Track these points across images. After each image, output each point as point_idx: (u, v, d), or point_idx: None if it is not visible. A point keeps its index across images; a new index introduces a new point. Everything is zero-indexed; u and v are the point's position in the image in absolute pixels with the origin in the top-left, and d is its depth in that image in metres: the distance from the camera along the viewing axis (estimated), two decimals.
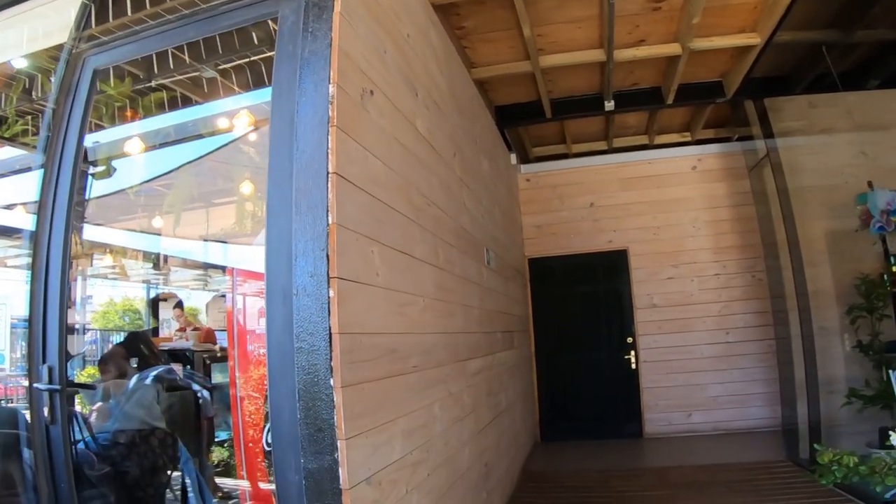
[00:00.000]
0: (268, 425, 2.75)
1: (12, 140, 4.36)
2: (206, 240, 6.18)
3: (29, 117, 4.29)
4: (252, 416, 3.80)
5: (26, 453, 2.36)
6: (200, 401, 3.34)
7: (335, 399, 1.70)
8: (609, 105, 5.37)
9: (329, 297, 1.71)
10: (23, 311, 2.29)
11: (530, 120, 5.91)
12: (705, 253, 6.27)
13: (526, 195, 6.77)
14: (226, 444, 4.78)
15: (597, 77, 5.15)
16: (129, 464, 2.87)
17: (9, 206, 5.28)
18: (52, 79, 3.20)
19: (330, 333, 1.70)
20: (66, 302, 2.22)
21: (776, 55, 4.77)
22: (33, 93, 3.93)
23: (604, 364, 6.35)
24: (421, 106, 2.81)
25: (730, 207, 6.29)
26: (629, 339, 6.27)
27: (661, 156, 6.62)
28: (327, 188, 1.78)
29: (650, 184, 6.51)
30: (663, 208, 6.42)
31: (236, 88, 4.30)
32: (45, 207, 2.39)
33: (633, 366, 6.22)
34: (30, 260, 2.38)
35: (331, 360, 1.70)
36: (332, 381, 1.70)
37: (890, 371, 4.53)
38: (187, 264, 7.19)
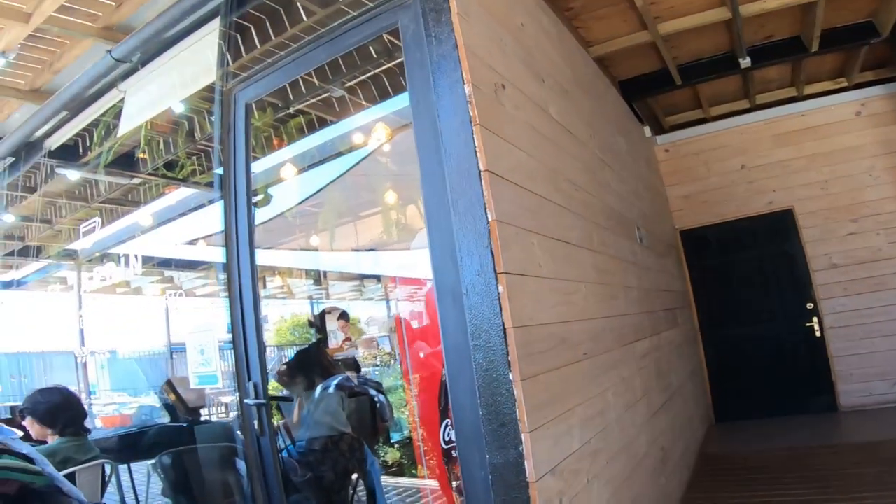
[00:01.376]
0: (444, 423, 2.83)
1: (185, 181, 4.88)
2: (357, 251, 6.55)
3: (195, 158, 4.80)
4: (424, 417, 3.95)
5: (240, 464, 2.62)
6: (378, 405, 3.51)
7: (515, 393, 1.71)
8: (744, 62, 4.90)
9: (499, 293, 1.73)
10: (223, 334, 2.55)
11: (659, 90, 5.55)
12: (891, 202, 5.49)
13: (667, 166, 6.38)
14: (396, 446, 5.02)
15: (724, 36, 4.73)
16: (325, 468, 3.09)
17: (192, 242, 5.96)
18: (212, 118, 3.54)
19: (504, 329, 1.72)
20: (260, 323, 2.45)
21: None
22: (195, 134, 4.32)
23: (780, 335, 5.78)
24: (549, 92, 2.76)
25: None
26: (809, 306, 5.64)
27: (815, 106, 5.90)
28: (481, 186, 1.80)
29: (808, 136, 5.84)
30: (829, 160, 5.73)
31: (364, 103, 4.48)
32: (231, 238, 2.62)
33: (818, 333, 5.60)
34: (220, 287, 2.66)
35: (507, 354, 1.72)
36: (510, 376, 1.71)
37: None
38: (343, 277, 7.69)
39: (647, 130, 6.03)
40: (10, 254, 5.92)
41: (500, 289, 1.73)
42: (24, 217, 5.59)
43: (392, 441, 4.99)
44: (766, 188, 5.93)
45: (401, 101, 4.01)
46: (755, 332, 5.90)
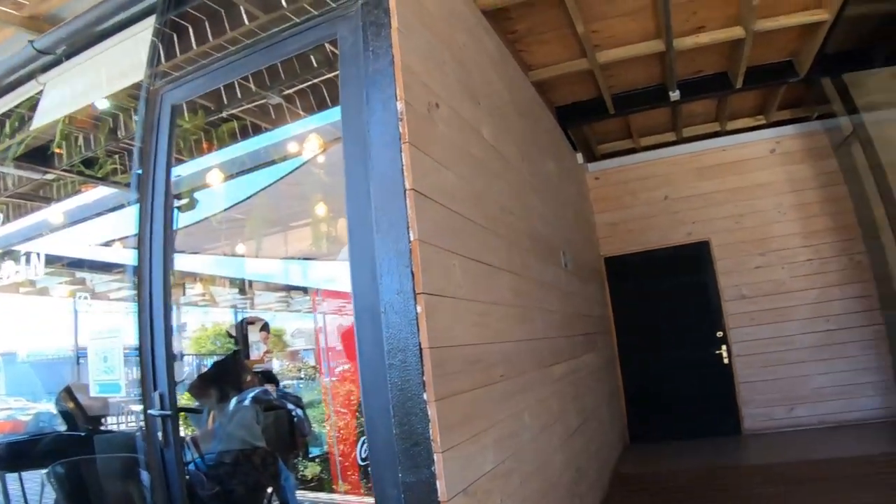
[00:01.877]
0: (361, 440, 2.80)
1: (104, 180, 4.64)
2: (287, 260, 6.40)
3: (117, 156, 4.58)
4: (342, 431, 3.89)
5: (144, 475, 2.50)
6: (295, 419, 3.44)
7: (429, 413, 1.72)
8: (674, 95, 5.17)
9: (417, 313, 1.74)
10: (131, 341, 2.43)
11: (593, 117, 5.77)
12: (794, 238, 5.90)
13: (596, 193, 6.63)
14: (317, 460, 4.92)
15: (658, 68, 4.98)
16: (235, 482, 2.99)
17: (107, 243, 5.65)
18: (135, 117, 3.40)
19: (420, 349, 1.72)
20: (170, 331, 2.35)
21: (848, 30, 4.46)
22: (118, 132, 4.13)
23: (692, 361, 6.07)
24: (484, 114, 2.81)
25: (816, 189, 5.90)
26: (719, 334, 5.97)
27: (735, 141, 6.30)
28: (406, 205, 1.81)
29: (727, 171, 6.22)
30: (744, 195, 6.11)
31: (301, 112, 4.42)
32: (144, 241, 2.52)
33: (726, 360, 5.92)
34: (133, 292, 2.53)
35: (423, 374, 1.72)
36: (425, 396, 1.72)
37: None
38: (270, 287, 7.47)
39: (580, 157, 6.22)
40: None
41: (419, 309, 1.74)
42: None
43: (312, 455, 4.89)
44: (687, 219, 6.25)
45: (338, 113, 3.99)
46: (670, 357, 6.17)
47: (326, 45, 3.65)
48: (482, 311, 2.28)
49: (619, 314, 6.38)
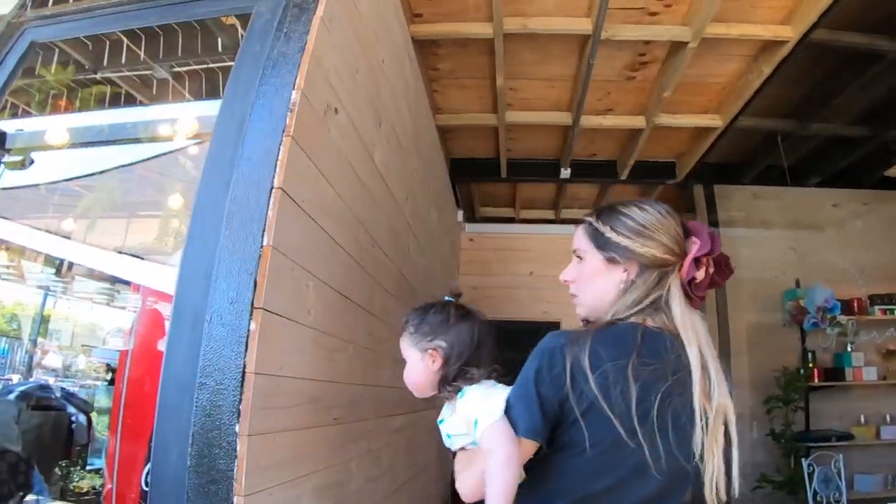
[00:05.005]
0: (148, 465, 2.36)
1: None
2: (121, 252, 5.67)
3: None
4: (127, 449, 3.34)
5: None
6: (74, 425, 2.90)
7: (238, 448, 1.41)
8: (565, 173, 5.39)
9: (249, 330, 1.45)
10: None
11: (485, 177, 5.86)
12: None
13: (467, 255, 6.63)
14: (101, 473, 4.24)
15: (558, 141, 5.17)
16: None
17: None
18: None
19: (244, 371, 1.43)
20: None
21: (732, 140, 4.93)
22: None
23: None
24: (382, 138, 2.65)
25: None
26: None
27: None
28: (268, 204, 1.55)
29: None
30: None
31: (187, 95, 4.04)
32: None
33: None
34: None
35: (240, 402, 1.42)
36: (237, 427, 1.42)
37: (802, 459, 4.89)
38: (94, 275, 6.56)
39: (460, 214, 6.23)
40: None
41: (253, 325, 1.45)
42: None
43: (91, 467, 4.21)
44: (545, 298, 6.40)
45: None
46: None
47: (239, 31, 3.37)
48: (331, 346, 2.02)
49: None
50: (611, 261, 1.37)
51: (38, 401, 2.71)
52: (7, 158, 4.03)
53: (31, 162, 4.28)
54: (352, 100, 2.15)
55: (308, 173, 1.77)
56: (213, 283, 1.50)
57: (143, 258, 5.45)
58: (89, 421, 3.02)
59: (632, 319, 1.29)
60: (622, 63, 4.05)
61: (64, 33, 2.43)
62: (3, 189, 4.28)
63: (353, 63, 2.15)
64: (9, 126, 3.48)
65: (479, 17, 3.61)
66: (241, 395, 1.43)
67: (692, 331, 1.25)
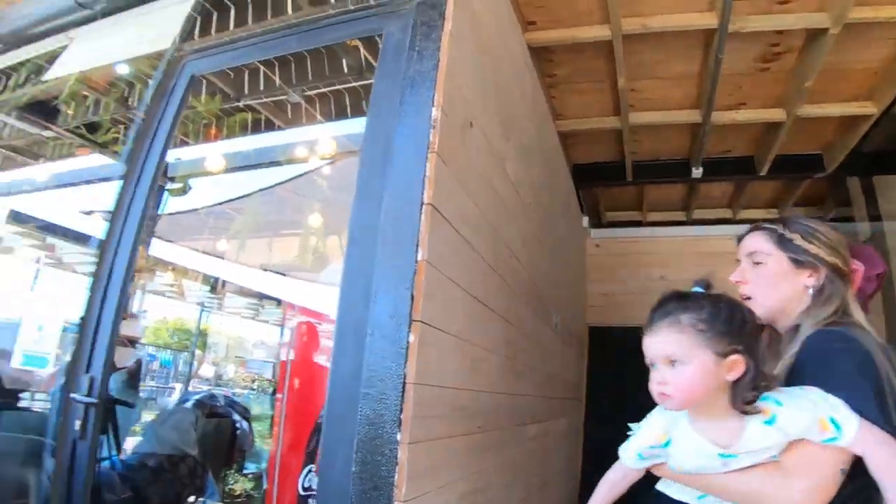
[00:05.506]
0: (307, 469, 2.50)
1: (103, 147, 4.42)
2: (266, 269, 6.13)
3: (122, 126, 4.36)
4: (287, 455, 3.56)
5: (49, 463, 2.19)
6: (238, 431, 3.13)
7: (399, 455, 1.47)
8: (697, 172, 5.06)
9: (408, 342, 1.50)
10: (76, 316, 2.15)
11: (609, 182, 5.65)
12: None
13: (594, 261, 6.40)
14: (250, 476, 4.55)
15: (686, 140, 4.87)
16: (152, 490, 2.65)
17: (88, 213, 5.38)
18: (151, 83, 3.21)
19: (404, 382, 1.48)
20: (121, 314, 2.07)
21: (889, 128, 4.37)
22: (130, 100, 3.95)
23: None
24: (511, 149, 2.65)
25: None
26: None
27: (741, 231, 6.19)
28: (420, 220, 1.60)
29: (728, 261, 6.08)
30: (735, 290, 5.96)
31: (319, 117, 4.25)
32: (119, 216, 2.29)
33: None
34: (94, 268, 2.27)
35: (401, 412, 1.48)
36: (398, 436, 1.47)
37: None
38: (243, 291, 7.16)
39: (586, 220, 6.07)
40: None
41: (412, 338, 1.50)
42: None
43: (245, 471, 4.53)
44: None
45: (357, 126, 3.81)
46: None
47: (362, 52, 3.51)
48: (476, 356, 2.04)
49: (593, 384, 6.09)
50: (798, 265, 1.44)
51: (210, 409, 2.94)
52: (170, 186, 4.48)
53: (190, 188, 4.74)
54: (483, 112, 2.18)
55: (451, 188, 1.81)
56: (373, 299, 1.57)
57: (285, 275, 5.88)
58: (251, 427, 3.24)
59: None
60: (753, 55, 3.77)
61: (218, 65, 2.60)
62: (168, 214, 4.75)
63: (480, 76, 2.17)
64: (170, 155, 3.83)
65: (593, 20, 3.53)
66: (401, 404, 1.48)
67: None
